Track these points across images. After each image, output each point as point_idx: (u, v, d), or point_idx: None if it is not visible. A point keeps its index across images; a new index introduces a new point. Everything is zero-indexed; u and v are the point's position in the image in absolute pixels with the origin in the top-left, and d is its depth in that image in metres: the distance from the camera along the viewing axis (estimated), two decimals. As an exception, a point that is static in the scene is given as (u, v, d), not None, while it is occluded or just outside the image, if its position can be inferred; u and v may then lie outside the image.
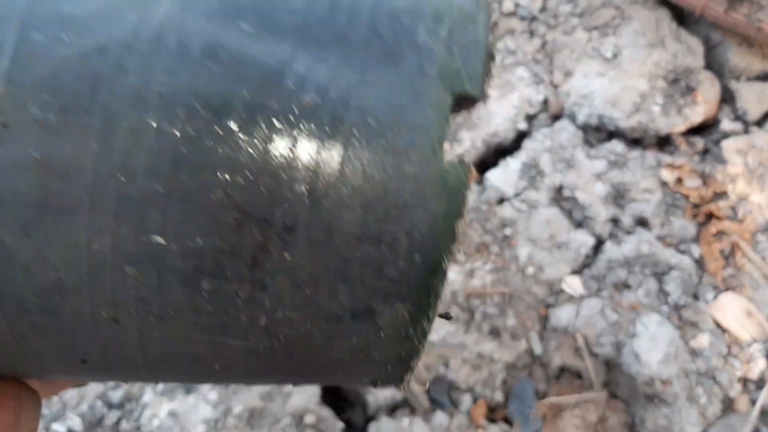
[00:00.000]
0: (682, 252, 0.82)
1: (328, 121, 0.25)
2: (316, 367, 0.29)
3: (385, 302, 0.26)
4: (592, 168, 0.89)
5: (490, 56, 0.27)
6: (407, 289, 0.26)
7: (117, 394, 0.80)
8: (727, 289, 0.79)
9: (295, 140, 0.25)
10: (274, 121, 0.25)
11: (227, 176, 0.25)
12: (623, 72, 0.96)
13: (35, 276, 0.26)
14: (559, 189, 0.89)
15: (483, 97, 0.26)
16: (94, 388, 0.81)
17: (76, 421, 0.79)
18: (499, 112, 0.96)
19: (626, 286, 0.80)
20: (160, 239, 0.25)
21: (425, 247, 0.25)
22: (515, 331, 0.81)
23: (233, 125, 0.24)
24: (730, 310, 0.78)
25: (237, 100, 0.24)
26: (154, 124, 0.24)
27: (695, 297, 0.79)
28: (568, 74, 0.98)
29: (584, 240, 0.84)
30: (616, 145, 0.91)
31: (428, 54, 0.26)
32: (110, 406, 0.80)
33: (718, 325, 0.77)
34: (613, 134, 0.93)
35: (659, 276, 0.81)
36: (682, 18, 1.01)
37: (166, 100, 0.24)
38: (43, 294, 0.26)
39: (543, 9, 1.06)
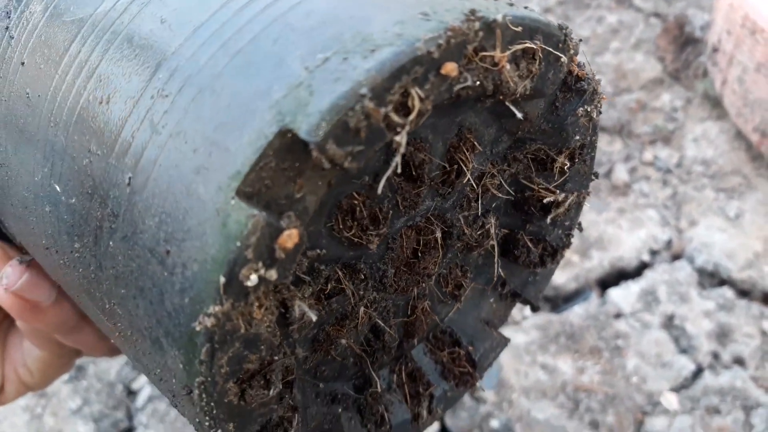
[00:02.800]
0: (772, 395, 0.94)
1: (163, 116, 0.24)
2: (156, 382, 0.28)
3: (166, 339, 0.24)
4: (702, 306, 1.03)
5: (368, 115, 0.22)
6: (178, 333, 0.23)
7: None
8: (807, 436, 0.90)
9: (132, 127, 0.25)
10: (130, 100, 0.25)
11: (94, 146, 0.26)
12: (742, 232, 1.11)
13: (18, 186, 0.30)
14: (671, 317, 1.03)
15: (318, 146, 0.21)
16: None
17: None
18: (627, 242, 1.12)
19: (717, 411, 0.93)
20: (57, 187, 0.27)
21: (193, 290, 0.22)
22: (612, 428, 0.94)
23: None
24: (807, 455, 0.89)
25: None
26: None
27: (778, 435, 0.90)
28: (692, 223, 1.14)
29: (686, 364, 0.97)
30: (726, 292, 1.05)
31: (285, 75, 0.22)
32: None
33: (795, 464, 0.88)
34: (724, 282, 1.07)
35: (748, 410, 0.92)
36: (802, 198, 1.16)
37: None
38: (21, 201, 0.31)
39: (678, 165, 1.23)
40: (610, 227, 1.14)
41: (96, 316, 0.30)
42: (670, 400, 0.95)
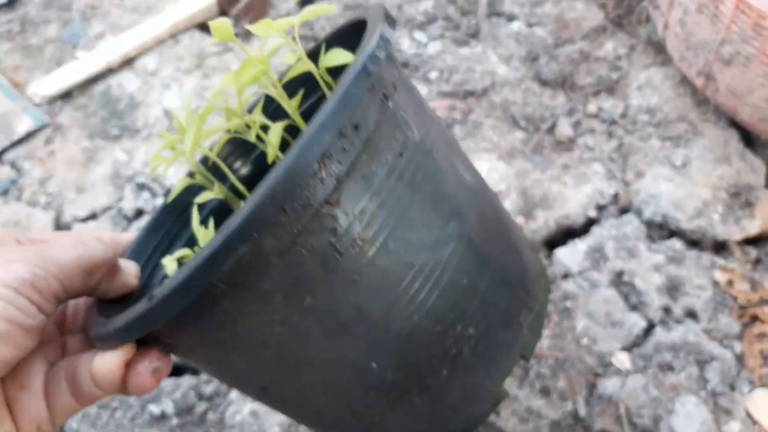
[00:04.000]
0: (725, 346, 0.91)
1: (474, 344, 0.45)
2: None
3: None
4: (652, 260, 0.99)
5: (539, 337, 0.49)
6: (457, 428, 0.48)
7: (209, 388, 0.92)
8: (762, 386, 0.87)
9: (449, 344, 0.45)
10: (451, 332, 0.44)
11: (422, 352, 0.43)
12: (690, 180, 1.07)
13: (306, 349, 0.41)
14: (620, 274, 0.99)
15: (529, 359, 0.48)
16: (188, 380, 0.93)
17: (169, 406, 0.91)
18: (572, 199, 1.07)
19: (670, 368, 0.89)
20: (374, 365, 0.41)
21: (474, 400, 0.46)
22: (564, 392, 0.90)
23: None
24: (764, 405, 0.86)
25: None
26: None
27: (732, 388, 0.87)
28: (639, 175, 1.10)
29: (637, 322, 0.94)
30: (676, 243, 1.01)
31: (519, 330, 0.46)
32: (201, 397, 0.92)
33: (750, 417, 0.85)
34: (674, 233, 1.03)
35: (701, 364, 0.89)
36: (749, 140, 1.12)
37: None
38: (303, 357, 0.41)
39: (623, 115, 1.19)
40: (555, 185, 1.10)
41: (332, 407, 0.45)
42: (622, 360, 0.91)
